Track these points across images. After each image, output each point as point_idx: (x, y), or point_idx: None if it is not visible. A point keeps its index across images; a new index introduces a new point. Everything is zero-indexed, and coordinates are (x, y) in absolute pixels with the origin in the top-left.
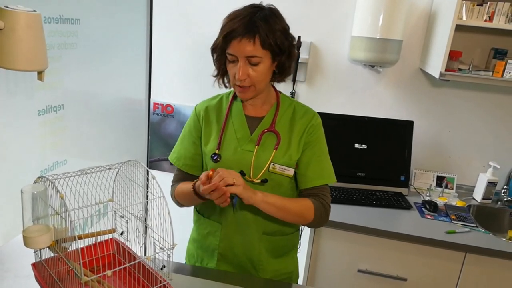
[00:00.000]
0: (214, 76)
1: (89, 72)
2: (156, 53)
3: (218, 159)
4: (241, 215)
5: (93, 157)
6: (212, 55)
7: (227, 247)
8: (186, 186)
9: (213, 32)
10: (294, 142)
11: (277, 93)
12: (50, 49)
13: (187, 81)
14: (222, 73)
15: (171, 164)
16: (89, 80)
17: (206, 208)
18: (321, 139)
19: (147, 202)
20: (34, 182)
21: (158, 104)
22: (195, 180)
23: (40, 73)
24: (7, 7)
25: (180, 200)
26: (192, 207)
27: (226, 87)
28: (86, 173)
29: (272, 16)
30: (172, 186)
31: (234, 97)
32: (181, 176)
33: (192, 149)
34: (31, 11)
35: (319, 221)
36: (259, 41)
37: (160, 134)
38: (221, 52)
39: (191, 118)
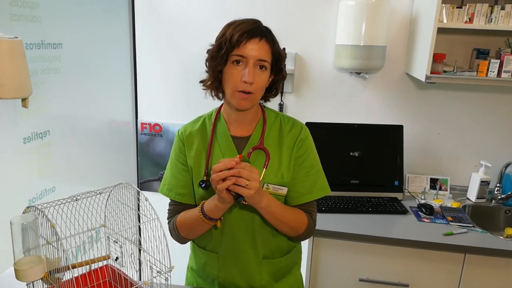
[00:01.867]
0: (207, 86)
1: (74, 96)
2: (141, 73)
3: (208, 185)
4: (237, 243)
5: (82, 182)
6: (212, 61)
7: (226, 276)
8: (192, 211)
9: (197, 47)
10: (285, 159)
11: (262, 106)
12: (34, 75)
13: (174, 99)
14: (217, 82)
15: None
16: (75, 104)
17: (201, 238)
18: (311, 152)
19: (140, 224)
20: (23, 212)
21: (145, 124)
22: (203, 202)
23: (24, 100)
24: None
25: (184, 230)
26: None
27: (219, 98)
28: (76, 199)
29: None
30: (169, 222)
31: (217, 118)
32: (177, 208)
33: (182, 176)
34: (12, 38)
35: (306, 236)
36: (271, 47)
37: (149, 154)
38: (224, 56)
39: (175, 144)
